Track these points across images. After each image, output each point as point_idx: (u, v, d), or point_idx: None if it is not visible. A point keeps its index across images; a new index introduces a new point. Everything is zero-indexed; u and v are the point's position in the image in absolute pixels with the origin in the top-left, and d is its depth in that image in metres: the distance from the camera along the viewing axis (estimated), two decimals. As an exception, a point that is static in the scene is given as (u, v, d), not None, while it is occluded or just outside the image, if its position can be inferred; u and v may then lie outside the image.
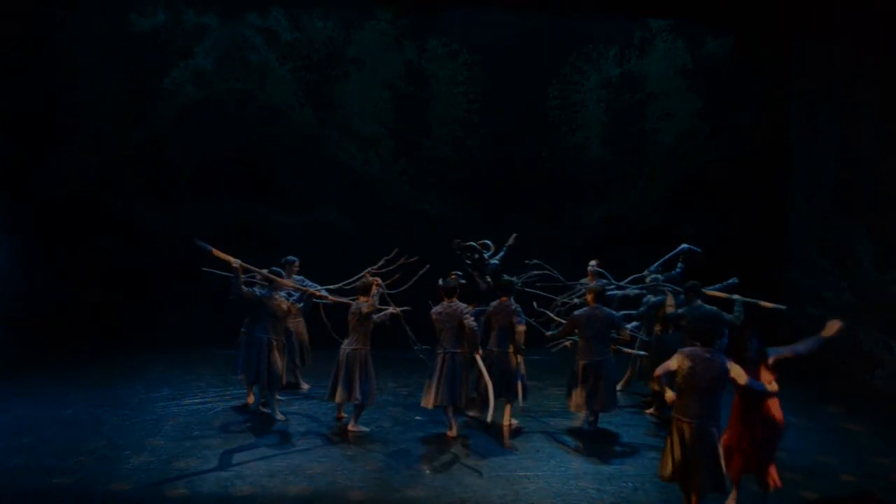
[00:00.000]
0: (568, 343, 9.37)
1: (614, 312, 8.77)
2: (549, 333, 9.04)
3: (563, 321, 9.04)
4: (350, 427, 8.54)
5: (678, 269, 9.74)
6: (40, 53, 12.11)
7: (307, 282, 9.34)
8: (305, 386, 9.95)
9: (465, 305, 8.51)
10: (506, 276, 9.20)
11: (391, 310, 8.61)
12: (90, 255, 12.24)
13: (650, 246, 10.50)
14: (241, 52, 12.71)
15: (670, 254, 9.86)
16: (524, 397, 8.85)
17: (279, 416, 8.86)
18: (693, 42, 13.14)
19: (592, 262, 10.16)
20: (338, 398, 8.48)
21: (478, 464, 7.70)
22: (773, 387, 6.43)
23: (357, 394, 8.36)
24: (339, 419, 8.81)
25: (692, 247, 9.86)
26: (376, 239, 11.76)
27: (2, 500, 6.74)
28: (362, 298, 8.45)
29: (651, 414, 9.34)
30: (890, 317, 10.51)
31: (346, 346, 8.47)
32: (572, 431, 8.78)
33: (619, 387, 9.86)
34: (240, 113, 12.73)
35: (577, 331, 8.69)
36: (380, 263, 9.09)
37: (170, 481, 7.07)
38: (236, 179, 12.65)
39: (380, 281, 8.60)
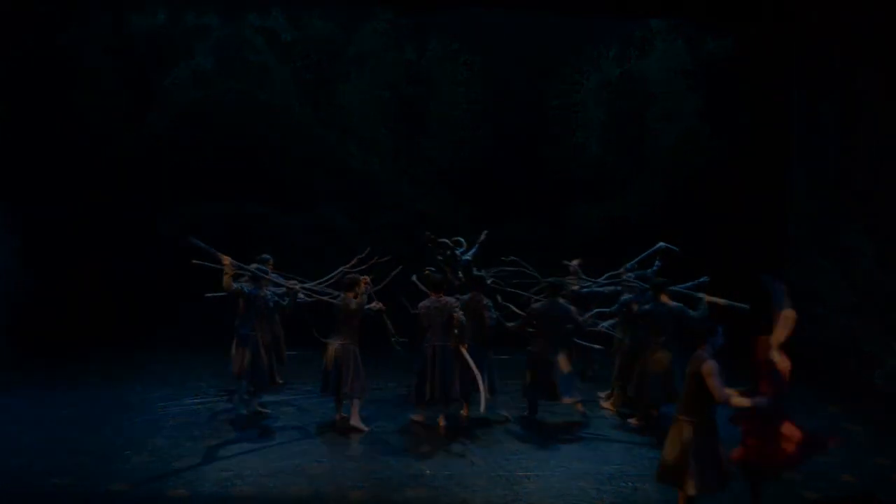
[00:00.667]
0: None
1: (571, 307, 8.96)
2: (509, 325, 9.11)
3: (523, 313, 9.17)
4: (351, 422, 8.60)
5: (654, 268, 9.75)
6: (40, 54, 12.11)
7: (281, 280, 9.39)
8: (280, 381, 9.97)
9: (453, 300, 8.69)
10: (475, 271, 9.32)
11: (375, 304, 8.73)
12: (90, 254, 12.23)
13: (650, 246, 10.48)
14: (241, 52, 12.72)
15: (647, 252, 9.89)
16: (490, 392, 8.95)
17: (243, 411, 8.91)
18: (693, 42, 13.14)
19: (574, 262, 10.29)
20: (328, 393, 8.63)
21: (478, 464, 7.70)
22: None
23: (347, 389, 8.47)
24: (339, 420, 8.82)
25: (669, 245, 9.89)
26: (376, 239, 11.75)
27: (2, 500, 6.74)
28: (349, 295, 8.53)
29: (605, 407, 9.49)
30: (890, 317, 10.51)
31: (335, 341, 8.56)
32: (572, 432, 8.79)
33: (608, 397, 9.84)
34: (240, 113, 12.73)
35: (534, 323, 8.84)
36: (352, 262, 9.30)
37: (170, 481, 7.08)
38: (236, 179, 12.64)
39: (368, 279, 8.74)
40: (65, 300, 12.04)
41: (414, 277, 9.13)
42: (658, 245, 9.91)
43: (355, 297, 8.50)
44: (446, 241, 9.89)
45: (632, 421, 9.02)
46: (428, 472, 7.47)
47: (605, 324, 9.40)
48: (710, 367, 5.94)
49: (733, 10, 12.60)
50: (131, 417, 8.84)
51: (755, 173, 13.03)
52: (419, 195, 13.07)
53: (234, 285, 8.63)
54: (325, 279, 9.27)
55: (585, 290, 9.86)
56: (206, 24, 12.63)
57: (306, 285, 9.14)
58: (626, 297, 9.30)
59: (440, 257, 9.87)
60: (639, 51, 13.14)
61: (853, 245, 11.30)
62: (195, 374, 10.53)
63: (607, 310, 9.45)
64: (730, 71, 13.08)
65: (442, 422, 8.75)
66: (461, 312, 8.55)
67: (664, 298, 8.70)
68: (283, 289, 9.07)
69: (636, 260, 9.86)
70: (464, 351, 8.54)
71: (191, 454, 7.74)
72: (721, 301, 8.68)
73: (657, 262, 9.82)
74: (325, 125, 12.93)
